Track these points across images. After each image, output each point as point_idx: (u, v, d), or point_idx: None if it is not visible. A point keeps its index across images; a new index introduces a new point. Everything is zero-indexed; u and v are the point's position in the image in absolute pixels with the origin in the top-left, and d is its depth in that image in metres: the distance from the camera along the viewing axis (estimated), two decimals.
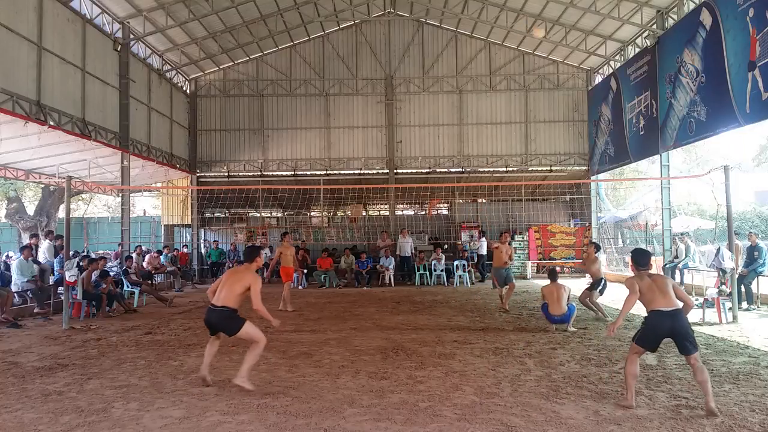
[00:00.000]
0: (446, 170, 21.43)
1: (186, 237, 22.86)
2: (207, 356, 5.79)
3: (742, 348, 7.32)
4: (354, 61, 21.24)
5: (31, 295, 11.45)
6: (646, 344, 4.97)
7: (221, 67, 21.10)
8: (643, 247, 20.93)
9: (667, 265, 14.69)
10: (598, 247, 10.91)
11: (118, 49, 15.49)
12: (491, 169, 21.07)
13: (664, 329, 4.81)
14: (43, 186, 22.44)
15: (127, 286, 12.93)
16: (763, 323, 9.31)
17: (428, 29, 21.25)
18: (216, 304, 5.66)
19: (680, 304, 4.86)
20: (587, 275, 11.84)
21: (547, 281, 9.27)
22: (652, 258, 17.40)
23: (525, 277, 19.38)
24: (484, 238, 19.63)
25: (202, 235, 22.45)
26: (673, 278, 14.28)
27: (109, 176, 16.84)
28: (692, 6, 13.75)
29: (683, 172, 31.20)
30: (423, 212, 23.03)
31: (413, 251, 18.92)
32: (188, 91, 21.06)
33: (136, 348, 7.76)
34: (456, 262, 17.86)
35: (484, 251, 19.06)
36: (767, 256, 11.22)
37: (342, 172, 21.23)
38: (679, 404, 4.92)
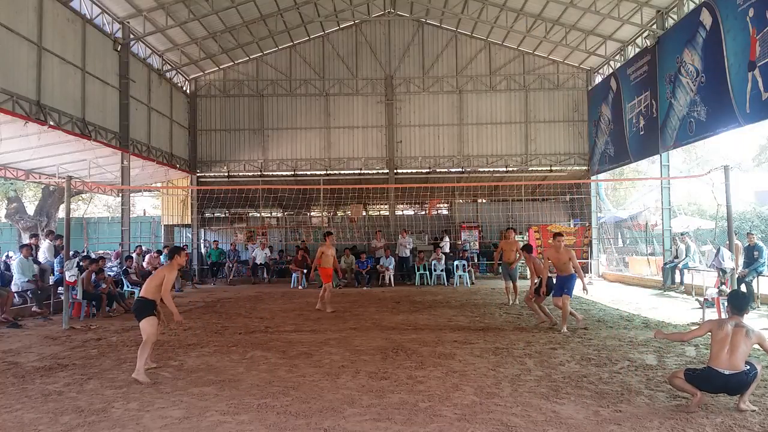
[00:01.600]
0: (446, 170, 21.43)
1: (186, 237, 22.86)
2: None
3: None
4: (354, 61, 21.24)
5: (30, 295, 11.45)
6: (695, 384, 4.82)
7: (221, 67, 21.10)
8: (643, 246, 21.01)
9: (667, 265, 14.69)
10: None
11: (118, 49, 15.50)
12: (491, 169, 21.08)
13: (717, 387, 4.77)
14: (43, 186, 22.44)
15: (127, 286, 12.93)
16: (763, 323, 9.30)
17: (428, 29, 21.26)
18: (140, 294, 6.46)
19: (742, 367, 4.68)
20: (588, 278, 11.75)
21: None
22: (653, 258, 17.28)
23: (525, 277, 19.34)
24: (447, 237, 19.54)
25: (202, 235, 22.45)
26: (673, 278, 14.29)
27: (109, 176, 16.85)
28: (692, 6, 13.76)
29: (683, 172, 31.20)
30: (423, 212, 23.04)
31: (412, 251, 18.89)
32: (188, 91, 21.07)
33: (136, 348, 7.71)
34: (456, 262, 17.85)
35: (447, 249, 19.01)
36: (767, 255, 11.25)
37: (342, 172, 21.23)
38: (679, 404, 4.92)
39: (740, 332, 4.75)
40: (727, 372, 4.66)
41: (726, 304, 5.29)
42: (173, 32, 17.51)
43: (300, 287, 17.07)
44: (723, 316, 9.32)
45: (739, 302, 5.07)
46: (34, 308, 11.13)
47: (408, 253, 18.61)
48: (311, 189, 20.63)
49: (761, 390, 5.32)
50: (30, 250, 11.86)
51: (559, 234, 9.09)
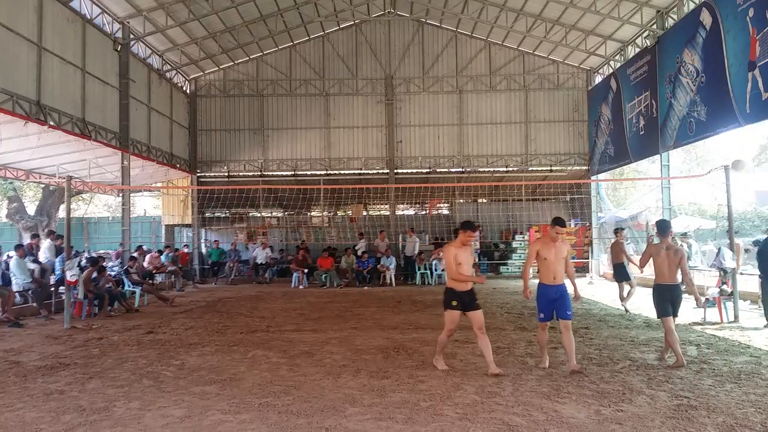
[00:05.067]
0: (446, 170, 21.45)
1: (186, 237, 22.85)
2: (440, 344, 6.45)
3: (743, 347, 7.32)
4: (354, 61, 21.24)
5: (32, 295, 11.45)
6: (664, 311, 6.43)
7: (221, 67, 21.10)
8: (643, 247, 20.96)
9: None
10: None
11: (118, 49, 15.50)
12: (491, 169, 21.09)
13: (667, 298, 6.46)
14: (43, 186, 22.43)
15: (129, 286, 12.93)
16: (765, 323, 9.30)
17: (428, 29, 21.26)
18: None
19: (680, 279, 6.53)
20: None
21: None
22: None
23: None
24: (363, 239, 19.23)
25: (203, 235, 22.45)
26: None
27: (109, 176, 16.83)
28: (692, 6, 13.76)
29: (683, 172, 31.18)
30: (423, 212, 23.04)
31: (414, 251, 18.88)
32: (188, 91, 21.07)
33: (137, 347, 7.76)
34: None
35: (363, 250, 18.81)
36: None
37: (342, 172, 21.23)
38: (681, 404, 4.91)
39: (671, 253, 6.46)
40: (671, 284, 6.48)
41: (655, 229, 6.98)
42: (173, 32, 17.51)
43: (301, 287, 17.07)
44: (724, 315, 9.35)
45: (664, 225, 6.75)
46: (38, 309, 11.13)
47: (416, 251, 18.53)
48: (311, 189, 20.64)
49: (762, 390, 5.33)
50: (25, 251, 11.86)
51: (560, 221, 6.29)
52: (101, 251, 18.29)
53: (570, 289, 6.28)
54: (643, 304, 12.07)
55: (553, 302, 6.17)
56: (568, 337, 6.13)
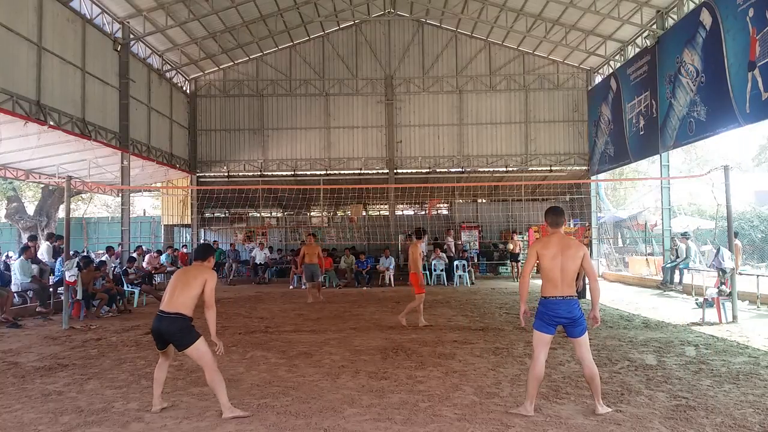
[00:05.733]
0: (446, 170, 21.45)
1: (186, 237, 22.85)
2: (157, 385, 4.88)
3: (741, 348, 7.32)
4: (354, 61, 21.24)
5: (32, 295, 11.46)
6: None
7: (221, 67, 21.11)
8: (643, 247, 21.00)
9: (668, 265, 14.69)
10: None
11: (118, 49, 15.50)
12: (491, 169, 21.09)
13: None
14: (42, 186, 22.43)
15: (127, 286, 12.93)
16: (763, 323, 9.31)
17: (428, 29, 21.26)
18: (167, 310, 4.72)
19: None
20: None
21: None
22: (652, 258, 17.47)
23: None
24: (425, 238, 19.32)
25: (202, 235, 22.44)
26: (672, 278, 14.29)
27: (108, 176, 16.85)
28: (692, 6, 13.76)
29: (683, 172, 31.19)
30: (423, 212, 23.04)
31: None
32: (188, 91, 21.07)
33: (136, 348, 7.76)
34: (456, 262, 17.85)
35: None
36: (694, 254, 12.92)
37: (342, 172, 21.24)
38: (679, 404, 4.91)
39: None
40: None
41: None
42: (173, 32, 17.51)
43: (303, 287, 17.05)
44: (722, 316, 9.34)
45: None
46: (38, 308, 11.13)
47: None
48: (311, 189, 20.64)
49: (760, 390, 5.32)
50: (32, 253, 11.89)
51: (556, 210, 4.91)
52: (101, 251, 18.32)
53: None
54: (642, 303, 12.08)
55: (558, 320, 4.79)
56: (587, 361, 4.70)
